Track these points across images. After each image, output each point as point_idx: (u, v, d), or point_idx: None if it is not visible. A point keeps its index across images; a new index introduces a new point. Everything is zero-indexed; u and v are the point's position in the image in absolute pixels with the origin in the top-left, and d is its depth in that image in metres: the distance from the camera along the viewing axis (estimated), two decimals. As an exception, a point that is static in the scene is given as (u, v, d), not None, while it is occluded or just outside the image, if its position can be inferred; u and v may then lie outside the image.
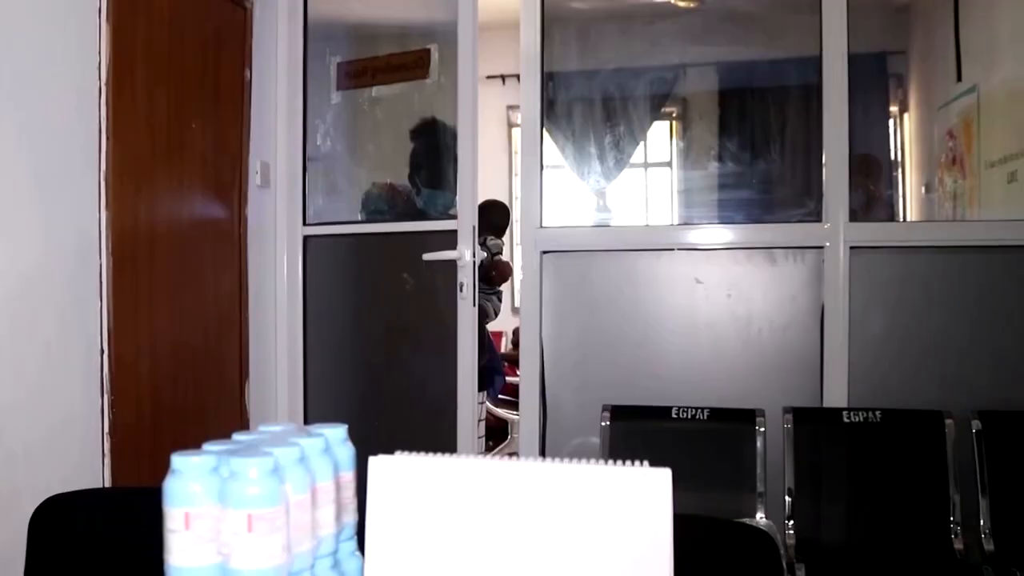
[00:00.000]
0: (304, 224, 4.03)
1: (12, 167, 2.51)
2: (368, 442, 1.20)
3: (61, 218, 2.62)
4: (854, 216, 3.42)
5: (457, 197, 3.71)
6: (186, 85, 3.31)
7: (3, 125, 2.50)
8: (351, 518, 1.18)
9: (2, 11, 2.48)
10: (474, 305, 3.58)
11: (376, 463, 1.02)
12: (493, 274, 4.83)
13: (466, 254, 3.57)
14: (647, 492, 0.97)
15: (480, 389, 3.64)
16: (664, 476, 0.96)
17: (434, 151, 4.02)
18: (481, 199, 3.85)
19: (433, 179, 4.03)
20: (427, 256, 3.68)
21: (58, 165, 2.65)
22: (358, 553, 1.19)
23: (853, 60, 3.41)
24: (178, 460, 1.02)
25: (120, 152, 2.87)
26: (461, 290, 3.59)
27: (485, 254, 4.13)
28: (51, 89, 2.66)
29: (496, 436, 7.05)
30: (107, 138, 2.83)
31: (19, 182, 2.51)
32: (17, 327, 2.41)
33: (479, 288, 3.59)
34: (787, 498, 3.09)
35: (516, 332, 7.49)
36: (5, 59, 2.50)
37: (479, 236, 3.57)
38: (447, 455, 1.03)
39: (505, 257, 5.11)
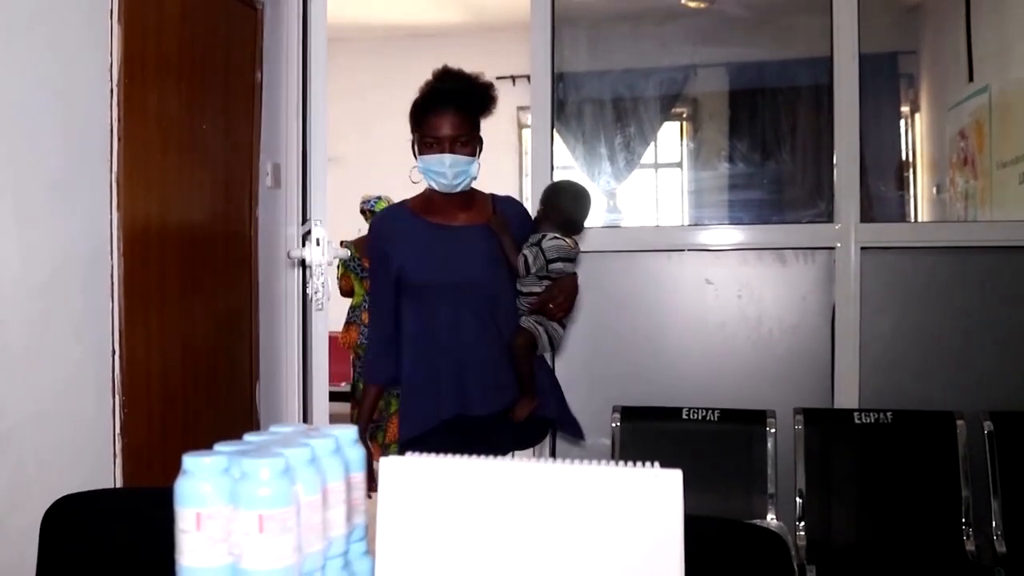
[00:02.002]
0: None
1: (24, 168, 2.52)
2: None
3: (73, 219, 2.63)
4: (865, 217, 3.41)
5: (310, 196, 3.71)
6: (197, 86, 3.31)
7: (15, 126, 2.50)
8: (361, 519, 1.18)
9: (13, 12, 2.48)
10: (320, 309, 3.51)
11: (387, 464, 1.02)
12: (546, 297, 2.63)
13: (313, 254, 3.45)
14: (658, 493, 0.96)
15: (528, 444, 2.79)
16: (675, 477, 0.96)
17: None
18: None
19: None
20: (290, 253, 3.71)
21: (69, 166, 2.65)
22: (368, 554, 1.19)
23: (864, 60, 3.40)
24: (189, 461, 1.03)
25: (131, 153, 2.88)
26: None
27: (532, 259, 2.59)
28: (63, 90, 2.67)
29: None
30: (118, 139, 2.83)
31: (31, 183, 2.52)
32: (29, 328, 2.42)
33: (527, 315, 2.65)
34: (798, 499, 3.08)
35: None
36: (17, 60, 2.50)
37: (535, 233, 2.66)
38: (458, 456, 1.03)
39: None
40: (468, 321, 2.62)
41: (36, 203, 2.48)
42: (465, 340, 2.61)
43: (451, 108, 2.58)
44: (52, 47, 2.61)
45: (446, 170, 2.56)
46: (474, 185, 2.72)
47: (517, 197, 2.80)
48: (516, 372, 2.62)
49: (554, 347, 2.72)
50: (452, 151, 2.57)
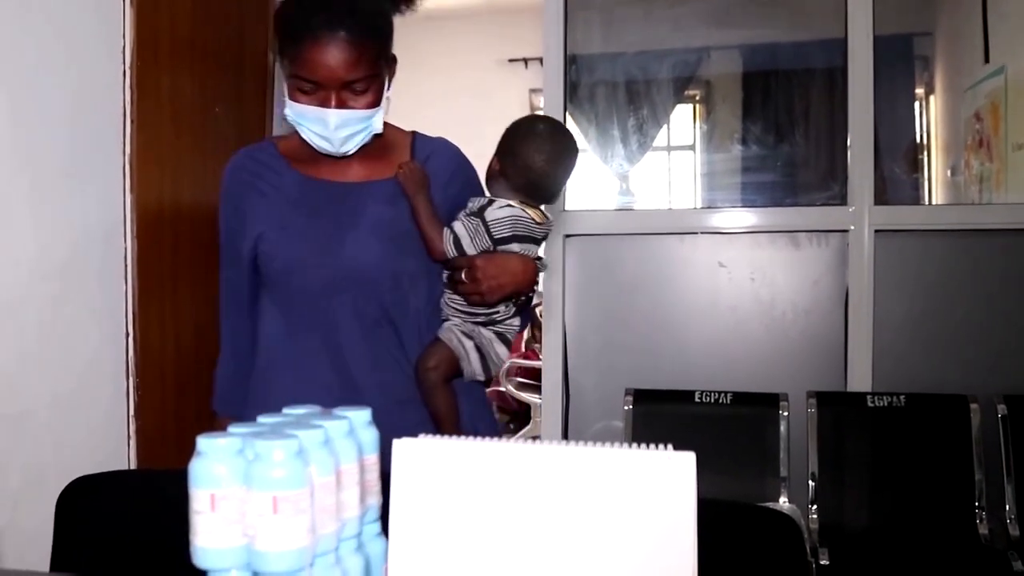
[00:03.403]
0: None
1: (37, 152, 2.53)
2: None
3: (86, 202, 2.63)
4: (879, 199, 3.40)
5: None
6: (210, 69, 3.31)
7: (27, 110, 2.51)
8: (375, 500, 1.18)
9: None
10: None
11: (400, 446, 1.02)
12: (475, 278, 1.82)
13: None
14: (671, 476, 0.96)
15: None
16: (688, 460, 0.96)
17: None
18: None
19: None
20: None
21: (82, 149, 2.66)
22: (382, 535, 1.19)
23: (879, 42, 3.38)
24: (204, 442, 1.03)
25: (144, 136, 2.88)
26: None
27: (470, 236, 1.78)
28: (75, 73, 2.67)
29: (519, 420, 7.07)
30: (131, 121, 2.84)
31: (44, 167, 2.52)
32: (44, 311, 2.43)
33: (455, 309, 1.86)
34: (810, 483, 3.08)
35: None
36: (29, 44, 2.51)
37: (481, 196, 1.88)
38: (471, 438, 1.04)
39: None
40: (351, 331, 1.80)
41: (50, 186, 2.49)
42: (346, 360, 1.80)
43: (345, 33, 1.66)
44: (65, 30, 2.61)
45: (330, 133, 1.72)
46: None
47: None
48: (428, 410, 1.80)
49: (489, 370, 1.86)
50: (342, 104, 1.70)
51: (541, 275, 1.90)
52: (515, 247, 1.80)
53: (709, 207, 4.07)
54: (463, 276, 1.77)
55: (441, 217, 1.81)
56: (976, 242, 3.35)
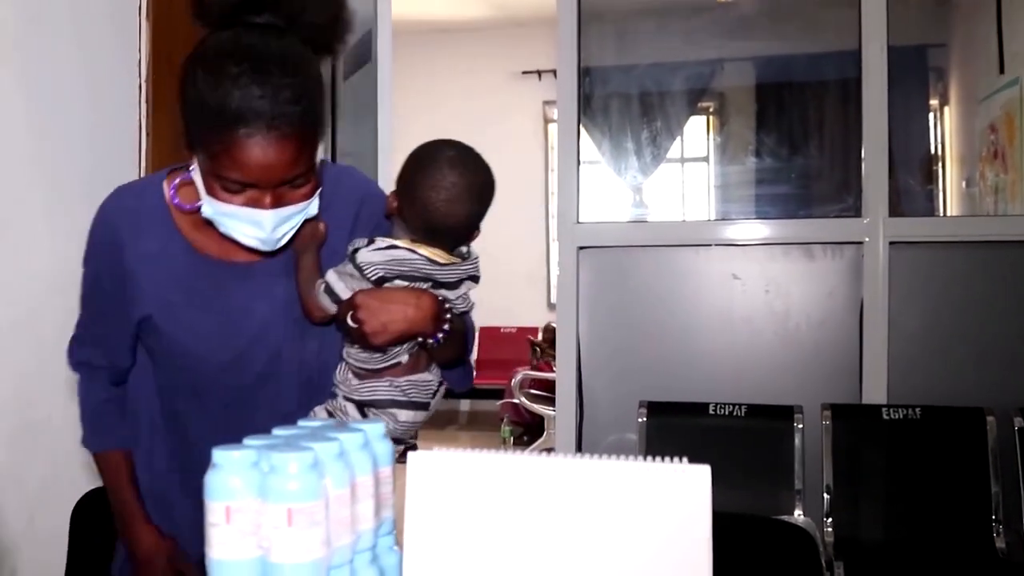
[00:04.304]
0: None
1: (54, 163, 2.54)
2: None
3: (102, 214, 2.65)
4: (894, 211, 3.39)
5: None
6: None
7: (46, 124, 2.53)
8: (389, 513, 1.18)
9: (44, 10, 2.50)
10: None
11: (415, 458, 1.02)
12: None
13: None
14: (686, 489, 0.96)
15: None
16: (703, 473, 0.96)
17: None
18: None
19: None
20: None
21: (99, 161, 2.67)
22: (396, 548, 1.19)
23: (893, 53, 3.37)
24: (219, 454, 1.03)
25: (160, 149, 2.90)
26: None
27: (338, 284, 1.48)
28: (93, 86, 2.69)
29: (532, 432, 7.06)
30: (147, 134, 2.86)
31: (62, 180, 2.54)
32: (61, 321, 2.44)
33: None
34: (825, 495, 3.06)
35: (547, 328, 7.50)
36: (47, 58, 2.53)
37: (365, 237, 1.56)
38: (486, 451, 1.04)
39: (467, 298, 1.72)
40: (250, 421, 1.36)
41: (67, 197, 2.50)
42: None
43: (284, 129, 1.33)
44: (82, 45, 2.64)
45: (266, 235, 1.41)
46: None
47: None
48: None
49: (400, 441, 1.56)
50: (278, 201, 1.39)
51: (459, 315, 1.59)
52: (399, 284, 1.50)
53: (723, 219, 4.07)
54: (348, 318, 1.46)
55: (341, 258, 1.54)
56: (991, 254, 3.34)
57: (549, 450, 5.87)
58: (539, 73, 8.68)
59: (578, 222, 3.58)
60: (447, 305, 1.52)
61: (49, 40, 2.53)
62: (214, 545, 1.03)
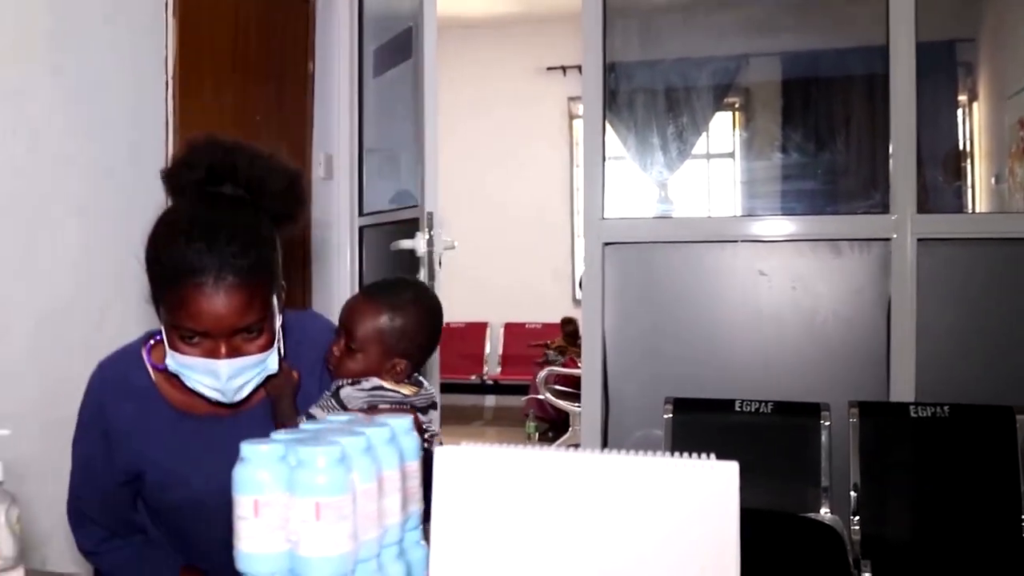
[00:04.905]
0: (360, 215, 4.06)
1: (84, 162, 2.56)
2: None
3: (132, 210, 2.66)
4: (922, 208, 3.36)
5: (417, 184, 3.56)
6: (250, 78, 3.35)
7: (76, 121, 2.54)
8: (416, 507, 1.18)
9: (72, 8, 2.52)
10: None
11: (442, 453, 1.02)
12: None
13: (421, 244, 3.36)
14: (714, 485, 0.96)
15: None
16: (731, 469, 0.95)
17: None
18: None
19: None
20: (392, 245, 3.48)
21: (128, 158, 2.69)
22: (423, 542, 1.19)
23: (921, 49, 3.35)
24: (247, 448, 1.04)
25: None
26: None
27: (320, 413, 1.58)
28: (120, 84, 2.71)
29: (557, 428, 7.06)
30: (174, 131, 2.87)
31: (90, 177, 2.56)
32: (89, 321, 2.46)
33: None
34: (852, 493, 3.05)
35: (568, 321, 7.49)
36: (75, 56, 2.54)
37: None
38: (513, 446, 1.04)
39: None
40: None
41: (97, 193, 2.52)
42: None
43: (230, 279, 1.44)
44: (112, 42, 2.65)
45: (222, 385, 1.50)
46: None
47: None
48: None
49: None
50: (233, 352, 1.48)
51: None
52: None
53: (749, 215, 4.05)
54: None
55: (313, 400, 1.63)
56: (1021, 250, 3.30)
57: (575, 446, 5.87)
58: (564, 69, 8.67)
59: (604, 218, 3.57)
60: (424, 426, 1.57)
61: (80, 38, 2.55)
62: (243, 538, 1.03)
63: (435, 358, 3.29)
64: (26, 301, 2.44)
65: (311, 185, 3.74)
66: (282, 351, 1.60)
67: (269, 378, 1.57)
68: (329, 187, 3.93)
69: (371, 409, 1.56)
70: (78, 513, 1.76)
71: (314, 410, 1.58)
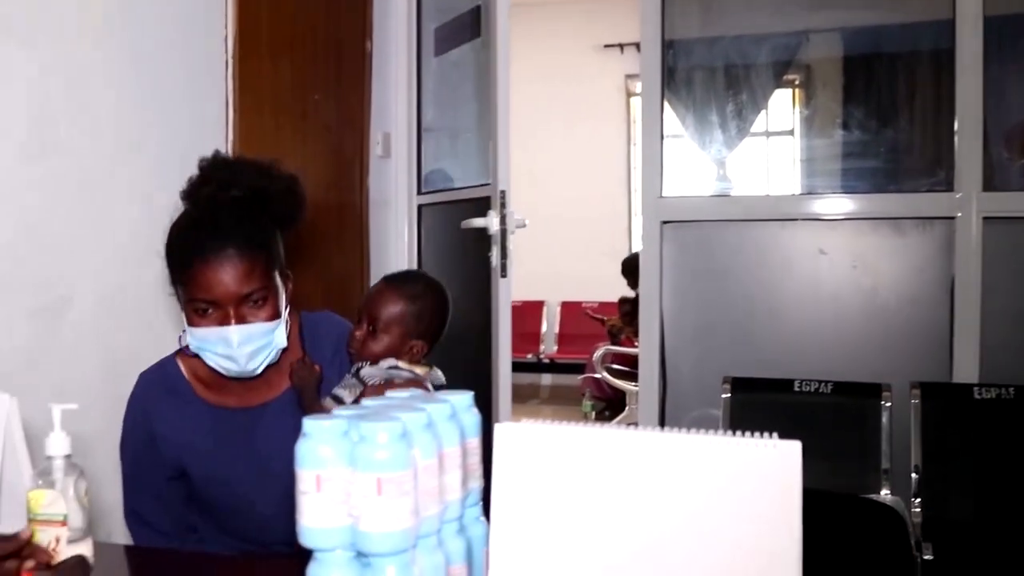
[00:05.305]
0: (418, 193, 4.07)
1: (143, 145, 2.60)
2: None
3: (192, 188, 2.70)
4: (987, 186, 3.30)
5: (490, 161, 3.52)
6: (309, 57, 3.36)
7: (136, 102, 2.58)
8: (476, 484, 1.19)
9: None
10: (503, 276, 3.32)
11: (502, 430, 1.03)
12: None
13: (493, 222, 3.33)
14: (776, 465, 0.95)
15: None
16: (794, 449, 0.94)
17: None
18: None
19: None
20: (463, 223, 3.46)
21: (189, 139, 2.72)
22: (483, 519, 1.20)
23: (988, 22, 3.28)
24: (309, 424, 1.05)
25: (247, 123, 2.94)
26: (491, 261, 3.36)
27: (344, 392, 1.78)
28: (181, 65, 2.74)
29: (613, 407, 7.05)
30: (234, 110, 2.90)
31: (150, 154, 2.59)
32: (150, 301, 2.50)
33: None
34: (913, 475, 3.01)
35: (624, 301, 7.44)
36: (138, 35, 2.57)
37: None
38: (573, 424, 1.03)
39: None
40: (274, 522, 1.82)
41: (156, 174, 2.55)
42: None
43: (233, 250, 1.70)
44: (171, 23, 2.68)
45: (234, 351, 1.71)
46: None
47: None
48: None
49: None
50: (241, 320, 1.71)
51: None
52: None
53: (809, 194, 4.00)
54: None
55: (331, 387, 1.81)
56: (1090, 229, 3.24)
57: (632, 425, 5.86)
58: (621, 46, 8.61)
59: (662, 196, 3.55)
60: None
61: (139, 20, 2.58)
62: (305, 513, 1.04)
63: (506, 340, 3.35)
64: (92, 280, 2.48)
65: (368, 163, 3.75)
66: (300, 342, 1.89)
67: (293, 371, 1.79)
68: (386, 165, 3.94)
69: (388, 383, 1.74)
70: (135, 518, 1.90)
71: (338, 390, 1.76)
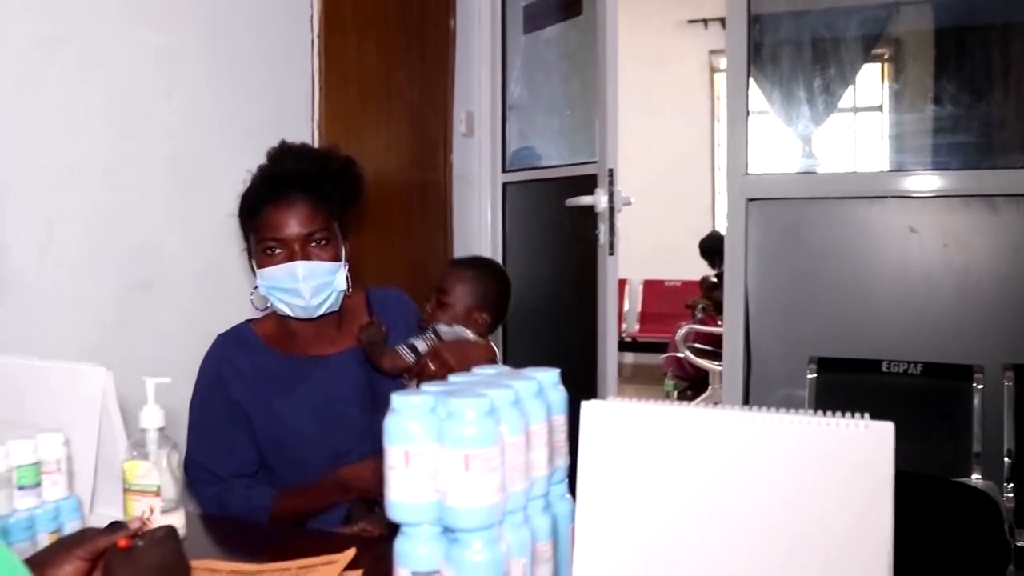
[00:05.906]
0: (503, 171, 4.08)
1: (234, 121, 2.64)
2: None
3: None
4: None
5: (597, 139, 3.53)
6: (393, 35, 3.38)
7: (225, 82, 2.62)
8: (562, 461, 1.19)
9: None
10: (610, 253, 3.36)
11: (589, 407, 1.02)
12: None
13: (601, 200, 3.35)
14: (866, 446, 0.93)
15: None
16: (886, 430, 0.93)
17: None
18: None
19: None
20: (569, 201, 3.49)
21: (276, 117, 2.76)
22: (568, 496, 1.20)
23: (1089, -8, 3.17)
24: (398, 400, 1.06)
25: (332, 102, 2.97)
26: (599, 239, 3.40)
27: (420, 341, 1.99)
28: (268, 44, 2.77)
29: (696, 387, 7.00)
30: (320, 88, 2.92)
31: (241, 135, 2.63)
32: (235, 275, 2.54)
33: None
34: (1007, 459, 2.94)
35: (707, 279, 7.36)
36: (226, 12, 2.61)
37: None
38: (660, 402, 1.03)
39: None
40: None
41: (245, 151, 2.59)
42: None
43: (298, 194, 1.92)
44: (259, 4, 2.71)
45: (299, 285, 1.90)
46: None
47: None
48: None
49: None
50: (306, 256, 1.90)
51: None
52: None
53: (899, 170, 3.92)
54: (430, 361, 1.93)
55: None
56: None
57: (716, 404, 5.82)
58: (705, 22, 8.51)
59: (747, 174, 3.51)
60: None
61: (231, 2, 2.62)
62: (393, 487, 1.06)
63: (613, 317, 3.44)
64: (184, 257, 2.53)
65: (452, 142, 3.77)
66: (368, 310, 2.10)
67: (362, 329, 1.99)
68: (470, 143, 3.95)
69: (458, 342, 1.99)
70: (193, 463, 1.95)
71: (415, 340, 1.99)
